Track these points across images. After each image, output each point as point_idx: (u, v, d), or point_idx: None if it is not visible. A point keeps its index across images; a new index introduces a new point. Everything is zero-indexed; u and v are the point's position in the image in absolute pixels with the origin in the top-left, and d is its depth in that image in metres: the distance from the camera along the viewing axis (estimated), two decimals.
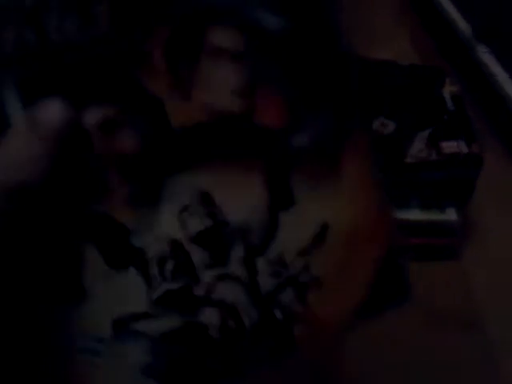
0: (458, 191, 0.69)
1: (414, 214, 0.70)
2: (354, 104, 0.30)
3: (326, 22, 0.30)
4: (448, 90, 0.75)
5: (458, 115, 0.72)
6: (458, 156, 0.66)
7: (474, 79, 0.94)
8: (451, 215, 0.70)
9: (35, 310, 0.25)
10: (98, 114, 0.25)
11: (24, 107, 0.25)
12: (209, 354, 0.27)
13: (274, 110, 0.28)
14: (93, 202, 0.25)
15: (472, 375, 0.63)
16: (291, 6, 0.28)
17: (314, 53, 0.29)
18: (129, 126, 0.26)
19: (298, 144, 0.28)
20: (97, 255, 0.25)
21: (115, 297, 0.26)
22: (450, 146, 0.67)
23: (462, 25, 0.99)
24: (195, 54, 0.26)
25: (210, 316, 0.26)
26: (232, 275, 0.27)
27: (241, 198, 0.27)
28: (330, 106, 0.29)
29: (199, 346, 0.27)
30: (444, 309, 0.68)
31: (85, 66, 0.26)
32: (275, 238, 0.27)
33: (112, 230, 0.26)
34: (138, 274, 0.26)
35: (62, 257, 0.25)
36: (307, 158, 0.28)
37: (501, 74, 0.88)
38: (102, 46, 0.26)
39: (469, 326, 0.67)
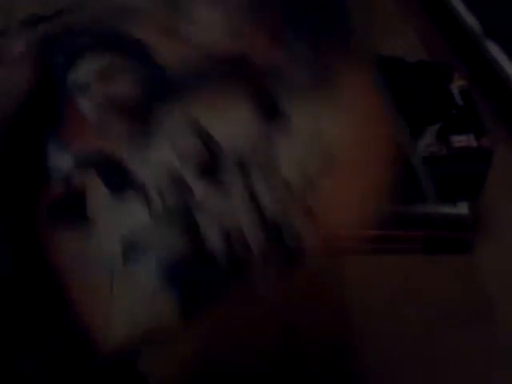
0: (469, 185, 0.69)
1: (424, 208, 0.71)
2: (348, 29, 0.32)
3: None
4: (456, 85, 0.76)
5: (467, 109, 0.72)
6: (468, 150, 0.66)
7: (482, 73, 0.94)
8: (463, 209, 0.70)
9: None
10: (95, 61, 0.28)
11: None
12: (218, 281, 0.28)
13: (270, 50, 0.29)
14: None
15: (485, 369, 0.63)
16: None
17: None
18: (124, 71, 0.28)
19: (295, 81, 0.29)
20: (98, 181, 0.27)
21: (119, 219, 0.27)
22: (459, 140, 0.67)
23: (471, 20, 0.98)
24: None
25: (216, 243, 0.27)
26: (233, 197, 0.27)
27: (230, 122, 0.28)
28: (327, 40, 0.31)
29: (209, 273, 0.28)
30: (456, 302, 0.68)
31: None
32: (273, 158, 0.28)
33: (109, 160, 0.27)
34: (138, 197, 0.27)
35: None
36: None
37: (510, 68, 0.88)
38: None
39: (481, 319, 0.67)
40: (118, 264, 0.27)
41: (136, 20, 0.29)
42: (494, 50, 0.92)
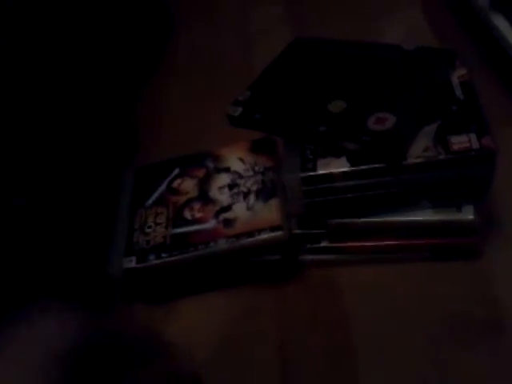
0: (473, 189, 0.64)
1: (427, 215, 0.66)
2: None
3: None
4: (457, 76, 0.69)
5: (468, 104, 0.66)
6: (469, 153, 0.60)
7: (489, 48, 0.87)
8: (468, 214, 0.65)
9: None
10: None
11: None
12: None
13: None
14: None
15: (495, 379, 0.59)
16: None
17: None
18: None
19: None
20: None
21: None
22: (459, 142, 0.62)
23: None
24: None
25: None
26: None
27: None
28: None
29: None
30: (465, 314, 0.64)
31: None
32: None
33: None
34: None
35: None
36: None
37: None
38: None
39: (491, 328, 0.62)
40: None
41: None
42: (501, 24, 0.85)
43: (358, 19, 1.10)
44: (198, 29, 1.20)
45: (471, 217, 0.64)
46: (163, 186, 0.76)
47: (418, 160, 0.61)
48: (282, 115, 0.69)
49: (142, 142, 0.94)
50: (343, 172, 0.63)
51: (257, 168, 0.75)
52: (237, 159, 0.77)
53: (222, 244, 0.67)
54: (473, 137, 0.62)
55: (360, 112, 0.65)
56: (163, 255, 0.67)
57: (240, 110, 0.71)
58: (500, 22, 0.85)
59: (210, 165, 0.78)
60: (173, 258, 0.67)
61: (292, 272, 0.71)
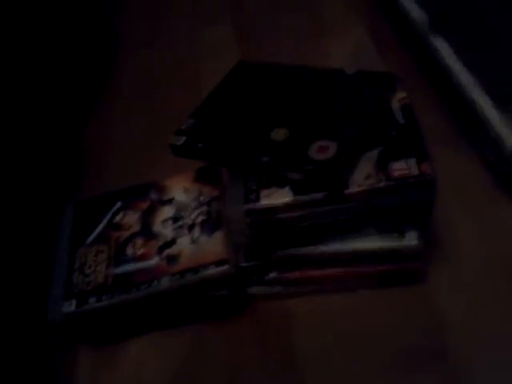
0: (416, 214, 0.64)
1: (373, 242, 0.65)
2: None
3: None
4: (397, 100, 0.69)
5: (408, 129, 0.66)
6: (409, 179, 0.60)
7: (430, 68, 0.88)
8: (412, 239, 0.64)
9: None
10: None
11: None
12: None
13: None
14: None
15: None
16: None
17: None
18: None
19: None
20: None
21: None
22: (399, 168, 0.61)
23: (418, 14, 0.92)
24: None
25: None
26: None
27: None
28: None
29: None
30: (410, 337, 0.63)
31: None
32: None
33: None
34: None
35: None
36: None
37: (456, 62, 0.82)
38: None
39: (436, 355, 0.62)
40: None
41: None
42: (440, 44, 0.86)
43: (306, 39, 1.10)
44: (144, 52, 1.17)
45: (415, 242, 0.64)
46: (104, 222, 0.73)
47: (360, 188, 0.61)
48: (224, 144, 0.68)
49: (86, 173, 0.91)
50: (285, 203, 0.62)
51: (202, 198, 0.73)
52: (181, 190, 0.75)
53: (165, 282, 0.64)
54: (412, 162, 0.62)
55: (302, 140, 0.64)
56: (104, 297, 0.65)
57: (183, 139, 0.69)
58: (439, 42, 0.86)
59: (154, 196, 0.75)
60: (114, 300, 0.64)
61: (240, 306, 0.69)
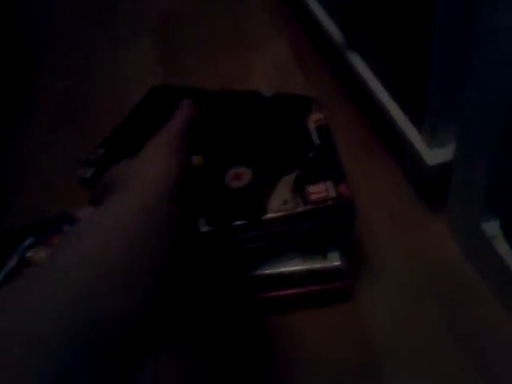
0: (336, 235, 0.64)
1: (297, 265, 0.64)
2: None
3: None
4: (313, 121, 0.69)
5: (324, 150, 0.66)
6: (326, 202, 0.60)
7: (349, 84, 0.89)
8: (334, 260, 0.64)
9: None
10: None
11: None
12: None
13: None
14: None
15: None
16: None
17: None
18: None
19: None
20: None
21: None
22: (316, 191, 0.61)
23: (336, 33, 0.93)
24: None
25: None
26: None
27: None
28: None
29: None
30: (341, 355, 0.62)
31: None
32: None
33: None
34: None
35: None
36: None
37: (372, 79, 0.83)
38: None
39: (367, 372, 0.62)
40: None
41: None
42: (356, 61, 0.87)
43: (230, 58, 1.09)
44: (63, 74, 1.13)
45: (337, 263, 0.64)
46: (15, 259, 0.69)
47: (278, 214, 0.60)
48: None
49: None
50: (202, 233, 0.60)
51: None
52: None
53: None
54: (330, 185, 0.61)
55: (217, 168, 0.63)
56: None
57: (92, 170, 0.66)
58: (355, 59, 0.87)
59: (67, 230, 0.71)
60: None
61: None
